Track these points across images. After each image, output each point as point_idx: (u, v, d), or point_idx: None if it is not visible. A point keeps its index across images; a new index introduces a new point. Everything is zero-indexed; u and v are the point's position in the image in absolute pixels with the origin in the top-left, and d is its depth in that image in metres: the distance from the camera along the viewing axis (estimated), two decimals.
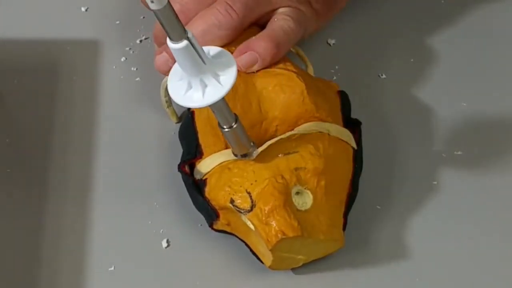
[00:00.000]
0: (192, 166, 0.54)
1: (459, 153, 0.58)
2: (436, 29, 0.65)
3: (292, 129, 0.53)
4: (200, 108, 0.52)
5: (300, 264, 0.52)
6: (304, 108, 0.53)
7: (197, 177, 0.53)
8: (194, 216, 0.54)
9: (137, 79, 0.61)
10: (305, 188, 0.51)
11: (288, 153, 0.52)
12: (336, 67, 0.62)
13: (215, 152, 0.53)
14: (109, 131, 0.58)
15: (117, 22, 0.65)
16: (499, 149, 0.58)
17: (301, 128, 0.53)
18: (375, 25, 0.65)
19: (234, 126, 0.49)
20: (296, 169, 0.51)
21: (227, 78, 0.46)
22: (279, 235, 0.49)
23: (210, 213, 0.52)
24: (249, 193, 0.51)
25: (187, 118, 0.55)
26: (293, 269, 0.53)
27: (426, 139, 0.59)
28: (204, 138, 0.54)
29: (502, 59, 0.63)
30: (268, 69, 0.55)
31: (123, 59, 0.62)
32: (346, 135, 0.54)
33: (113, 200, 0.55)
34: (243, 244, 0.53)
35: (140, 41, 0.63)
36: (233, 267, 0.53)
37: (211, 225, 0.53)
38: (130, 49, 0.63)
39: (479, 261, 0.54)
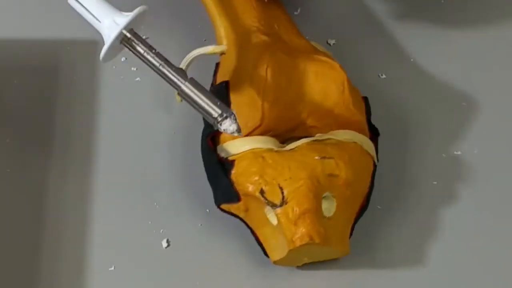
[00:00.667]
0: (215, 142, 0.53)
1: (459, 153, 0.58)
2: (436, 29, 0.65)
3: (325, 119, 0.53)
4: (234, 78, 0.53)
5: (302, 263, 0.52)
6: (342, 98, 0.54)
7: (222, 154, 0.53)
8: (194, 216, 0.54)
9: (137, 79, 0.61)
10: (332, 196, 0.51)
11: (324, 157, 0.51)
12: None
13: (251, 128, 0.52)
14: (109, 131, 0.58)
15: None
16: (499, 149, 0.58)
17: (337, 134, 0.53)
18: (375, 25, 0.65)
19: (182, 86, 0.49)
20: (330, 175, 0.51)
21: (124, 17, 0.49)
22: (306, 239, 0.49)
23: (231, 195, 0.51)
24: (281, 188, 0.50)
25: (221, 87, 0.54)
26: (292, 270, 0.53)
27: (426, 139, 0.59)
28: (238, 109, 0.52)
29: (502, 58, 0.63)
30: (313, 55, 0.55)
31: (123, 59, 0.62)
32: (372, 149, 0.54)
33: (113, 200, 0.55)
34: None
35: None
36: (233, 267, 0.53)
37: (220, 205, 0.52)
38: None
39: (480, 261, 0.54)
